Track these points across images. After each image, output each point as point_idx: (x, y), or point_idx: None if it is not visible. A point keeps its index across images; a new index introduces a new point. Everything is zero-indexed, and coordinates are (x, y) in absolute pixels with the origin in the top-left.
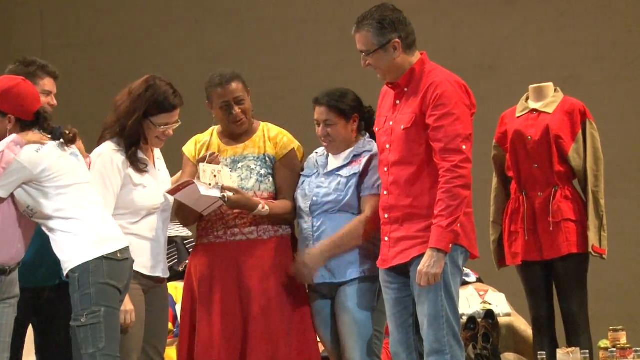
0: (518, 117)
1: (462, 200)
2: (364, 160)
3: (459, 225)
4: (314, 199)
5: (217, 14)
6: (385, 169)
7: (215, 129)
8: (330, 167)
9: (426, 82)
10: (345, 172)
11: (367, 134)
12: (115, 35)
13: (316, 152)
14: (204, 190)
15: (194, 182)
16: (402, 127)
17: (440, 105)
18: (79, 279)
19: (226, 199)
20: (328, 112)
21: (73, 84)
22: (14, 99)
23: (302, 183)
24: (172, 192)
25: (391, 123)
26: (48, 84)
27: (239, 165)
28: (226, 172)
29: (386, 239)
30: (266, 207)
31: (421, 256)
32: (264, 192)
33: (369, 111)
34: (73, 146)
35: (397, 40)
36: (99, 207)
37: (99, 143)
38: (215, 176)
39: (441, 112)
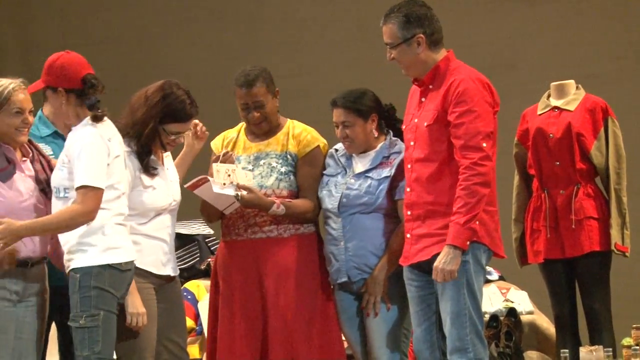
0: (539, 115)
1: (481, 197)
2: (395, 162)
3: (477, 222)
4: (344, 200)
5: (233, 12)
6: (409, 166)
7: (244, 125)
8: (358, 169)
9: (449, 79)
10: (375, 174)
11: (392, 133)
12: (133, 34)
13: (335, 150)
14: (218, 189)
15: (208, 180)
16: (425, 124)
17: (462, 102)
18: (80, 281)
19: (239, 198)
20: (345, 113)
21: None
22: (58, 70)
23: (327, 182)
24: (191, 187)
25: (416, 120)
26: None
27: (261, 162)
28: (240, 171)
29: (408, 235)
30: (282, 207)
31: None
32: (283, 190)
33: (389, 109)
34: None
35: (421, 35)
36: (120, 217)
37: None
38: (229, 175)
39: (462, 109)
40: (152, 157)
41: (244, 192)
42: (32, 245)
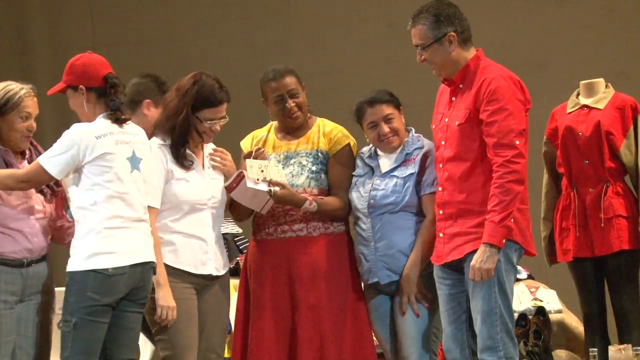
0: (569, 113)
1: (515, 195)
2: (418, 158)
3: (512, 220)
4: (372, 201)
5: (265, 10)
6: (441, 165)
7: (273, 124)
8: (383, 169)
9: (480, 78)
10: (400, 172)
11: (412, 129)
12: (163, 33)
13: (362, 153)
14: (251, 183)
15: (244, 175)
16: (457, 123)
17: (494, 101)
18: (67, 285)
19: (272, 193)
20: (387, 107)
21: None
22: (79, 69)
23: (355, 183)
24: (229, 188)
25: (447, 120)
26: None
27: (292, 161)
28: (273, 167)
29: (441, 235)
30: (314, 204)
31: (475, 252)
32: (314, 188)
33: None
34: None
35: (452, 33)
36: (117, 220)
37: None
38: (262, 171)
39: (494, 107)
40: (188, 150)
41: (277, 188)
42: (28, 244)
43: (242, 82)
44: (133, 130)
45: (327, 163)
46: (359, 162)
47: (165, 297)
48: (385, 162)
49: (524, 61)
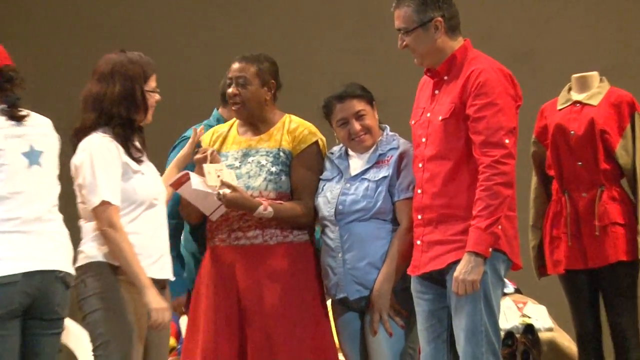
0: (560, 110)
1: (504, 199)
2: (392, 159)
3: (499, 227)
4: (340, 207)
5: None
6: (420, 165)
7: (237, 120)
8: (353, 171)
9: (468, 70)
10: (372, 175)
11: (387, 127)
12: (123, 29)
13: (331, 153)
14: (198, 184)
15: (189, 176)
16: (440, 118)
17: (482, 95)
18: None
19: (221, 196)
20: (359, 102)
21: (46, 77)
22: None
23: (323, 188)
24: (174, 184)
25: (429, 115)
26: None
27: (249, 159)
28: (226, 170)
29: (418, 242)
30: (269, 209)
31: (458, 262)
32: (272, 192)
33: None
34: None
35: (439, 19)
36: (9, 223)
37: (74, 145)
38: (218, 176)
39: (483, 102)
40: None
41: (227, 191)
42: None
43: (209, 77)
44: (33, 122)
45: (290, 164)
46: (327, 164)
47: (154, 299)
48: (356, 164)
49: (510, 51)
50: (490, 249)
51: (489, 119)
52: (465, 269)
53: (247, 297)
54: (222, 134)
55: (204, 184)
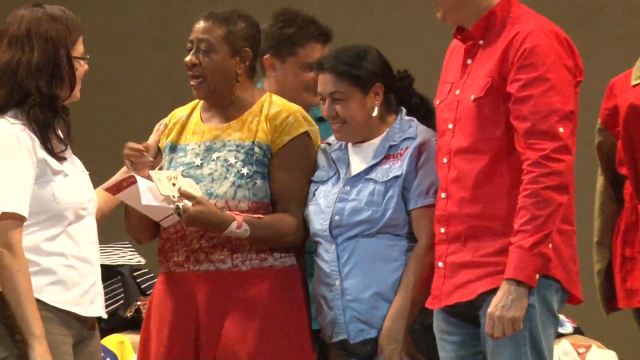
0: (634, 87)
1: (556, 208)
2: (407, 153)
3: (550, 246)
4: (337, 217)
5: None
6: (445, 160)
7: (201, 102)
8: (355, 169)
9: (510, 32)
10: (380, 174)
11: (404, 111)
12: None
13: (327, 144)
14: (148, 198)
15: (135, 181)
16: (473, 97)
17: (529, 66)
18: None
19: (181, 211)
20: (336, 81)
21: None
22: None
23: (315, 193)
24: (112, 189)
25: (458, 92)
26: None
27: (214, 156)
28: (183, 179)
29: (440, 264)
30: (244, 226)
31: (494, 292)
32: (242, 201)
33: (403, 77)
34: None
35: None
36: None
37: None
38: (174, 184)
39: (529, 77)
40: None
41: (188, 203)
42: None
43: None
44: None
45: (269, 163)
46: (322, 161)
47: (44, 356)
48: (359, 159)
49: (571, 9)
50: (538, 276)
51: (537, 100)
52: (503, 303)
53: (209, 340)
54: (180, 120)
55: (155, 195)
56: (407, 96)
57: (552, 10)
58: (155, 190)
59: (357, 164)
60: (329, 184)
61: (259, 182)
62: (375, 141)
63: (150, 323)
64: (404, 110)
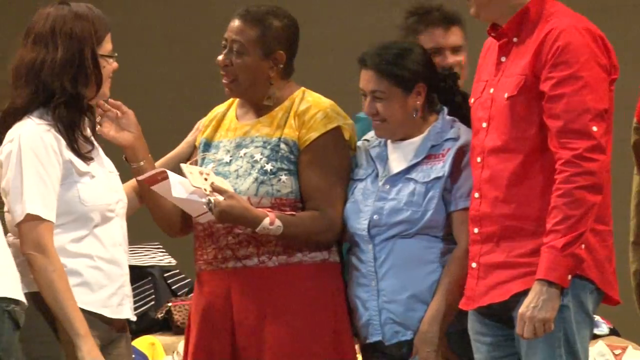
0: None
1: (589, 208)
2: (449, 154)
3: (583, 247)
4: (375, 217)
5: None
6: (479, 160)
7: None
8: (395, 167)
9: (543, 30)
10: (421, 174)
11: (446, 110)
12: None
13: (366, 140)
14: (179, 191)
15: (167, 176)
16: (506, 95)
17: (562, 64)
18: None
19: (212, 205)
20: (377, 79)
21: None
22: None
23: (353, 191)
24: (149, 180)
25: (492, 90)
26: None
27: (242, 152)
28: (217, 177)
29: (474, 265)
30: (277, 223)
31: (527, 293)
32: (264, 197)
33: (448, 76)
34: None
35: None
36: None
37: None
38: (205, 179)
39: (563, 74)
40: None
41: (220, 198)
42: None
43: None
44: None
45: (297, 161)
46: (361, 159)
47: (91, 353)
48: (398, 157)
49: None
50: (570, 276)
51: (570, 98)
52: (534, 304)
53: (248, 342)
54: (217, 117)
55: (187, 188)
56: (450, 95)
57: (589, 4)
58: (187, 184)
59: (397, 163)
60: (367, 182)
61: (283, 178)
62: (416, 140)
63: (190, 323)
64: (446, 109)
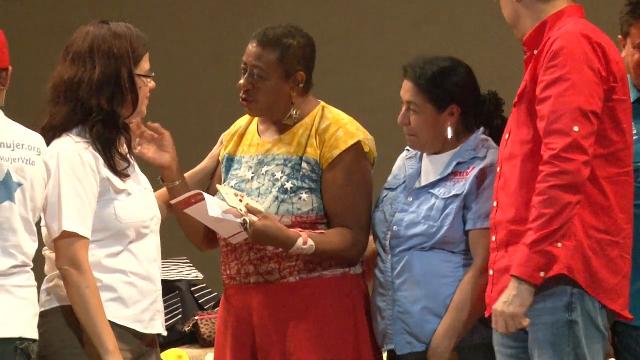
0: None
1: (563, 207)
2: (472, 173)
3: (559, 245)
4: (395, 228)
5: None
6: (498, 169)
7: None
8: (424, 180)
9: (549, 39)
10: (443, 190)
11: (482, 130)
12: None
13: (407, 150)
14: (216, 211)
15: (203, 197)
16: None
17: (553, 68)
18: None
19: (248, 225)
20: (415, 92)
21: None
22: None
23: (383, 200)
24: (182, 204)
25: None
26: None
27: (264, 170)
28: (250, 199)
29: (491, 272)
30: (310, 242)
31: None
32: (285, 216)
33: (490, 99)
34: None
35: None
36: None
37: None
38: (240, 200)
39: (552, 77)
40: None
41: (254, 218)
42: None
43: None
44: (19, 139)
45: (320, 179)
46: (397, 166)
47: None
48: (429, 171)
49: None
50: (544, 274)
51: (555, 99)
52: (505, 299)
53: (265, 351)
54: (239, 132)
55: (222, 208)
56: (490, 118)
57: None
58: (222, 204)
59: (427, 176)
60: (397, 192)
61: (304, 196)
62: (446, 156)
63: (218, 336)
64: (481, 129)
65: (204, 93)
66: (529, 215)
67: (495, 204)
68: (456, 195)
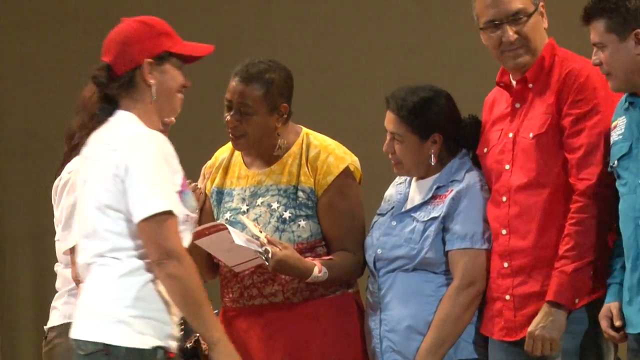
0: None
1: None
2: (450, 196)
3: (591, 273)
4: (379, 251)
5: None
6: (505, 199)
7: None
8: (409, 204)
9: (562, 71)
10: (422, 213)
11: (464, 152)
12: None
13: (399, 178)
14: (240, 239)
15: (226, 228)
16: (532, 134)
17: (582, 101)
18: None
19: (269, 255)
20: (397, 123)
21: (35, 71)
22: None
23: (373, 225)
24: (196, 235)
25: (511, 135)
26: None
27: (259, 201)
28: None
29: (507, 297)
30: (324, 270)
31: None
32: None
33: (470, 124)
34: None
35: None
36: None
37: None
38: (260, 231)
39: (582, 110)
40: None
41: (277, 248)
42: None
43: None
44: (105, 136)
45: (316, 206)
46: (389, 192)
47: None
48: (414, 196)
49: None
50: (577, 300)
51: (590, 131)
52: (543, 323)
53: None
54: (223, 164)
55: (244, 238)
56: (471, 142)
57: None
58: (241, 234)
59: (412, 201)
60: (386, 217)
61: (302, 223)
62: (429, 180)
63: None
64: (464, 151)
65: (204, 93)
66: (561, 243)
67: (504, 232)
68: (434, 218)
